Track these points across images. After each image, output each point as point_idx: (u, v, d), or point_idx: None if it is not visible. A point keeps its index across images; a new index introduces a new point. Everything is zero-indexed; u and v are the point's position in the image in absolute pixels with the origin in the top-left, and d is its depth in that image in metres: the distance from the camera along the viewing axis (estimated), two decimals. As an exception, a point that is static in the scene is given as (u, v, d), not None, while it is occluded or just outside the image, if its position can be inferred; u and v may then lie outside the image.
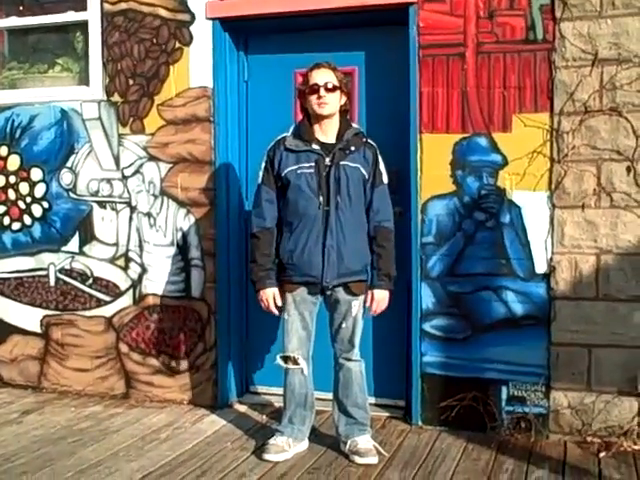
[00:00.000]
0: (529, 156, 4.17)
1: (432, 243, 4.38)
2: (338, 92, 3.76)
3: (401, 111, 4.41)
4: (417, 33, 4.29)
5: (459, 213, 4.32)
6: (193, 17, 4.80)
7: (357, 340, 3.93)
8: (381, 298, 3.86)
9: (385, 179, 3.87)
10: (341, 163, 3.74)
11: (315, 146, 3.78)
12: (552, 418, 4.24)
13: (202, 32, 4.79)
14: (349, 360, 3.94)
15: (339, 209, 3.74)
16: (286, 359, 4.00)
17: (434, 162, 4.30)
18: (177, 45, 4.85)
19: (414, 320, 4.43)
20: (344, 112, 3.86)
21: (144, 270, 5.06)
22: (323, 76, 3.74)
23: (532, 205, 4.19)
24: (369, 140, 3.88)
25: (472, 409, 4.37)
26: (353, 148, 3.77)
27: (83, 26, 5.16)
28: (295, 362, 3.97)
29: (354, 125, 3.93)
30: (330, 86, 3.72)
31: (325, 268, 3.77)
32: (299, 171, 3.79)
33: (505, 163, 4.22)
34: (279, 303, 3.89)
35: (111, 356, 5.19)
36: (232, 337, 4.97)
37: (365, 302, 3.89)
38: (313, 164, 3.77)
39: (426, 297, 4.41)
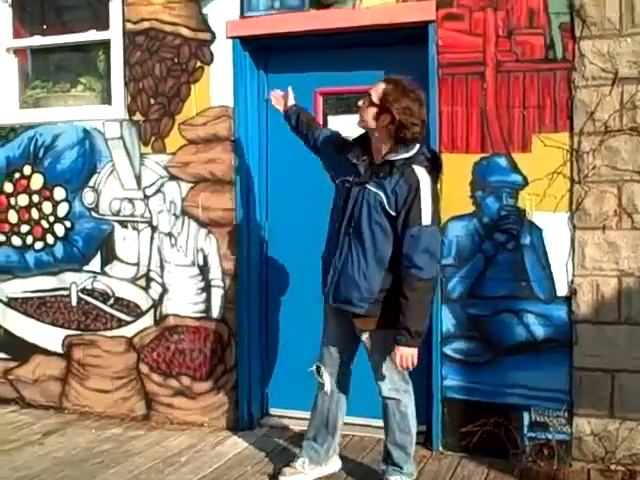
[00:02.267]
0: (549, 177, 4.42)
1: (452, 265, 4.65)
2: (374, 109, 3.75)
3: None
4: (436, 52, 4.60)
5: (479, 234, 4.60)
6: (214, 36, 5.17)
7: (385, 377, 3.93)
8: (402, 353, 3.74)
9: (426, 220, 3.63)
10: (367, 186, 3.76)
11: (358, 161, 3.84)
12: (575, 445, 4.46)
13: (223, 51, 5.16)
14: (380, 396, 4.02)
15: (352, 232, 3.86)
16: (316, 368, 4.18)
17: (454, 182, 4.56)
18: (198, 64, 5.23)
19: (435, 343, 4.70)
20: (396, 134, 3.72)
21: (165, 290, 5.43)
22: (370, 90, 3.83)
23: (553, 226, 4.44)
24: (415, 171, 3.68)
25: (493, 435, 4.61)
26: (382, 174, 3.73)
27: (105, 45, 5.59)
28: (319, 374, 4.16)
29: (408, 153, 3.74)
30: (365, 101, 3.82)
31: (327, 287, 4.01)
32: (341, 183, 3.95)
33: (525, 184, 4.49)
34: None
35: (132, 377, 5.57)
36: (252, 359, 5.29)
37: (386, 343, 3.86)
38: (350, 179, 3.86)
39: (446, 320, 4.68)
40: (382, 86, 3.76)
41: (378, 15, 4.69)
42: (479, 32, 4.52)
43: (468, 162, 4.59)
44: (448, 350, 4.69)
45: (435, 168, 3.86)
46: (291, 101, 4.54)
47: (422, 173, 3.68)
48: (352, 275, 3.83)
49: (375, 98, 3.74)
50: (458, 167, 4.58)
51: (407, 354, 3.73)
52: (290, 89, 4.57)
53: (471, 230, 4.61)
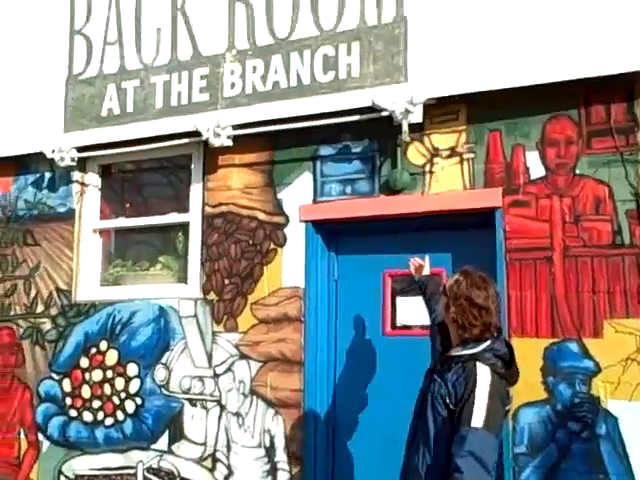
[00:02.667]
0: (622, 363, 4.36)
1: (525, 453, 4.54)
2: (445, 299, 3.67)
3: (489, 314, 4.74)
4: (503, 237, 4.72)
5: (552, 422, 4.51)
6: (287, 220, 5.44)
7: None
8: None
9: (476, 422, 3.31)
10: (434, 376, 3.61)
11: (438, 349, 3.79)
12: None
13: (295, 234, 5.40)
14: None
15: (419, 420, 3.71)
16: None
17: (524, 367, 4.42)
18: (272, 246, 5.47)
19: (508, 537, 4.52)
20: (458, 331, 3.61)
21: (230, 472, 5.42)
22: (446, 280, 3.82)
23: (629, 415, 4.33)
24: (476, 368, 3.42)
25: None
26: (447, 367, 3.55)
27: (184, 227, 5.91)
28: None
29: (472, 350, 3.50)
30: (442, 288, 3.79)
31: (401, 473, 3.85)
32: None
33: (598, 370, 4.43)
34: None
35: None
36: None
37: None
38: (430, 366, 3.78)
39: (520, 511, 4.52)
40: (454, 278, 3.68)
41: (446, 201, 4.89)
42: (546, 218, 4.64)
43: (538, 347, 4.58)
44: None
45: (507, 366, 3.60)
46: (426, 270, 4.58)
47: (484, 372, 3.44)
48: (416, 464, 3.66)
49: (446, 289, 3.68)
50: (528, 352, 4.55)
51: None
52: (427, 258, 4.62)
53: (544, 417, 4.53)
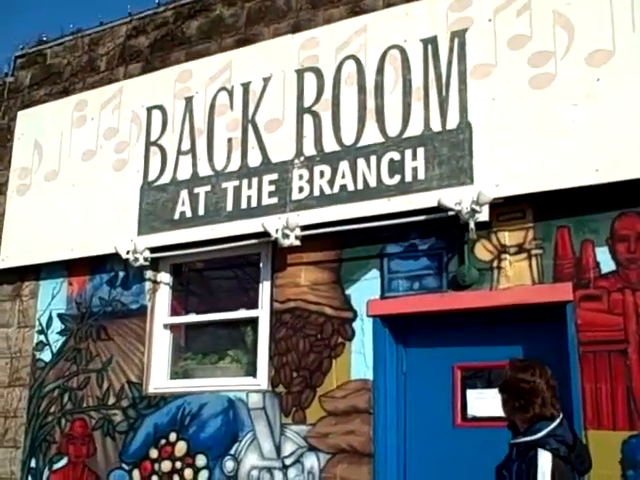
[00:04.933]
0: None
1: None
2: (501, 395, 3.36)
3: (562, 407, 4.21)
4: (575, 330, 4.26)
5: (634, 516, 3.94)
6: (355, 314, 5.00)
7: None
8: None
9: None
10: (503, 472, 3.26)
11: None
12: None
13: (363, 328, 4.95)
14: None
15: None
16: None
17: (602, 460, 3.96)
18: (340, 340, 5.01)
19: None
20: (517, 417, 3.29)
21: None
22: None
23: None
24: (537, 455, 3.06)
25: None
26: (512, 454, 3.23)
27: (253, 322, 5.46)
28: None
29: (534, 436, 3.14)
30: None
31: None
32: None
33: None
34: None
35: None
36: None
37: None
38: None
39: None
40: (503, 374, 3.37)
41: (515, 296, 4.46)
42: (619, 312, 4.19)
43: (616, 440, 4.07)
44: None
45: (572, 450, 3.18)
46: None
47: (546, 458, 3.06)
48: None
49: (499, 387, 3.36)
50: (606, 444, 4.06)
51: None
52: None
53: (625, 512, 3.95)
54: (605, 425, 4.11)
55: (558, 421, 3.18)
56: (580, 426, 4.12)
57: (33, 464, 6.08)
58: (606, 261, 4.28)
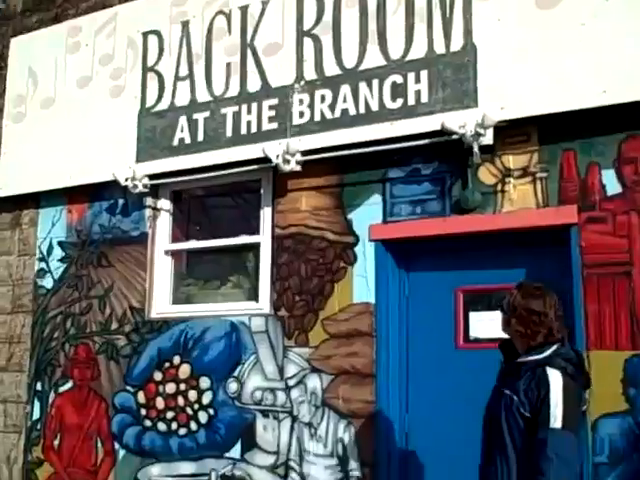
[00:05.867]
0: None
1: (605, 464, 3.90)
2: (503, 315, 3.27)
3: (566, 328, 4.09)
4: (579, 252, 4.09)
5: (634, 433, 3.87)
6: (357, 239, 4.81)
7: None
8: None
9: (555, 423, 2.89)
10: (504, 390, 3.13)
11: (503, 366, 3.29)
12: None
13: (365, 253, 4.77)
14: None
15: (494, 438, 3.14)
16: None
17: (604, 379, 3.91)
18: (342, 264, 4.83)
19: None
20: (523, 340, 3.18)
21: (303, 480, 4.75)
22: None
23: None
24: (546, 372, 2.98)
25: None
26: (516, 377, 3.10)
27: (255, 247, 5.27)
28: None
29: (540, 355, 3.07)
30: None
31: None
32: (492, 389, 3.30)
33: (681, 383, 3.80)
34: None
35: None
36: None
37: None
38: (497, 384, 3.27)
39: (602, 522, 3.86)
40: (511, 292, 3.24)
41: (519, 219, 4.27)
42: (623, 234, 4.02)
43: (618, 359, 3.95)
44: None
45: (578, 368, 3.14)
46: None
47: (555, 375, 2.99)
48: (494, 477, 3.10)
49: (504, 305, 3.25)
50: (607, 364, 3.95)
51: None
52: None
53: (625, 429, 3.90)
54: (608, 345, 3.99)
55: (561, 342, 3.12)
56: (583, 347, 4.00)
57: (39, 387, 5.95)
58: (612, 183, 4.08)
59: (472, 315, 4.50)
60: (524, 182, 4.31)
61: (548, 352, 3.08)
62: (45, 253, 6.13)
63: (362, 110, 4.77)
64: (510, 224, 4.28)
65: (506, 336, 3.29)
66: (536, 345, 3.10)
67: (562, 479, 2.88)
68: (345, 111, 4.84)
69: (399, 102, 4.65)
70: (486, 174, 4.43)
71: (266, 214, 5.19)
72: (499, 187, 4.39)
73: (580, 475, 3.77)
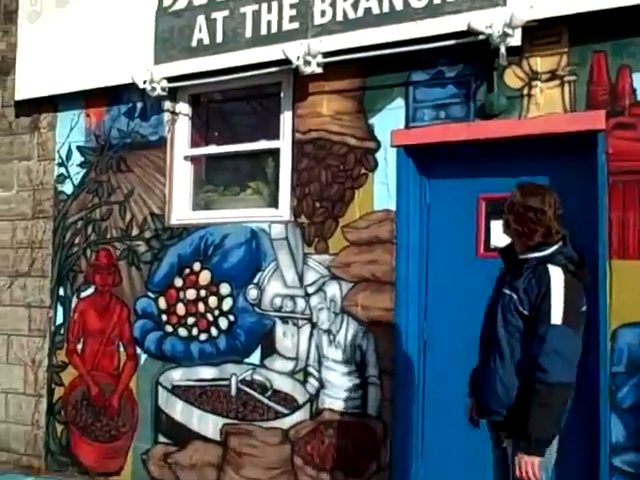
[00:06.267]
0: None
1: (623, 373, 4.03)
2: (505, 216, 3.36)
3: (588, 237, 4.15)
4: (606, 159, 4.10)
5: (653, 343, 3.97)
6: (379, 145, 4.85)
7: None
8: (521, 460, 3.05)
9: (555, 319, 2.99)
10: (503, 289, 3.24)
11: (505, 264, 3.40)
12: None
13: (387, 159, 4.81)
14: None
15: (490, 338, 3.28)
16: None
17: (625, 289, 4.00)
18: (362, 171, 4.90)
19: (602, 454, 4.04)
20: (523, 241, 3.26)
21: (322, 385, 4.97)
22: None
23: None
24: (548, 269, 3.08)
25: None
26: (516, 275, 3.20)
27: (275, 153, 5.34)
28: None
29: (542, 252, 3.17)
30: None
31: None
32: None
33: (703, 292, 3.86)
34: None
35: (286, 468, 5.07)
36: (407, 458, 4.73)
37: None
38: (495, 287, 3.42)
39: (616, 430, 4.03)
40: (511, 194, 3.33)
41: (545, 125, 4.27)
42: (652, 140, 4.00)
43: (640, 269, 3.99)
44: (618, 462, 4.02)
45: (579, 267, 3.21)
46: None
47: (556, 271, 3.08)
48: (490, 382, 3.23)
49: (505, 206, 3.33)
50: (630, 273, 4.02)
51: (525, 462, 3.03)
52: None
53: (644, 338, 3.97)
54: (630, 255, 4.04)
55: (562, 241, 3.22)
56: (605, 256, 4.07)
57: (61, 292, 6.19)
58: (643, 88, 4.05)
59: (493, 223, 4.56)
60: (552, 86, 4.29)
61: (550, 250, 3.17)
62: (64, 158, 6.27)
63: (386, 9, 4.73)
64: (536, 130, 4.28)
65: (506, 243, 3.43)
66: (535, 245, 3.18)
67: (562, 375, 2.99)
68: (368, 10, 4.79)
69: (424, 1, 4.60)
70: (512, 77, 4.41)
71: (286, 118, 5.23)
72: (525, 91, 4.37)
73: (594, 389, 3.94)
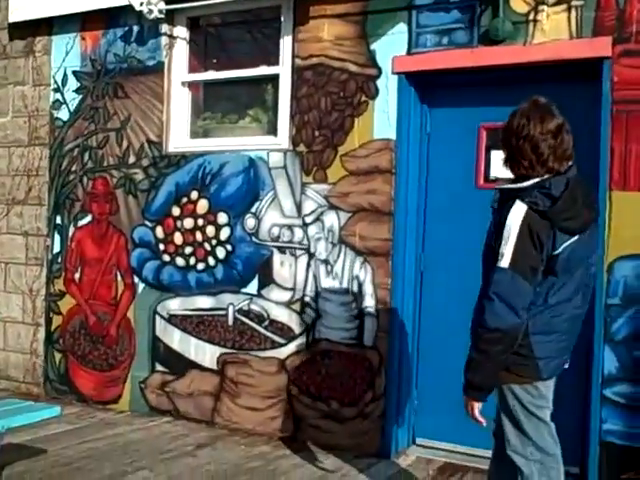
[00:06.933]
0: None
1: (618, 305, 4.14)
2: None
3: (589, 167, 4.20)
4: (610, 88, 4.13)
5: (650, 276, 4.06)
6: (380, 72, 4.87)
7: (505, 434, 3.05)
8: (465, 400, 2.96)
9: (504, 262, 2.75)
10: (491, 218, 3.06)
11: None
12: None
13: (388, 86, 4.85)
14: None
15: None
16: None
17: (624, 221, 4.08)
18: (363, 98, 4.93)
19: (594, 385, 4.19)
20: (507, 162, 3.00)
21: (318, 315, 5.10)
22: None
23: None
24: (514, 205, 2.79)
25: (657, 484, 4.04)
26: (496, 205, 2.98)
27: (274, 80, 5.37)
28: None
29: (518, 184, 2.86)
30: None
31: None
32: None
33: (703, 223, 3.93)
34: None
35: (282, 397, 5.25)
36: (402, 387, 4.90)
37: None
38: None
39: (609, 361, 4.17)
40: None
41: (550, 51, 4.29)
42: (659, 69, 4.02)
43: (641, 201, 4.06)
44: (609, 393, 4.16)
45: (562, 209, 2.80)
46: None
47: (519, 209, 2.77)
48: (475, 314, 3.01)
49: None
50: (629, 205, 4.10)
51: (465, 402, 2.94)
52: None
53: (641, 271, 4.06)
54: (631, 187, 4.11)
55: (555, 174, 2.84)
56: (605, 187, 4.13)
57: (58, 220, 6.29)
58: (652, 13, 4.05)
59: (493, 153, 4.62)
60: (558, 10, 4.29)
61: (529, 182, 2.82)
62: (60, 83, 6.29)
63: None
64: (540, 56, 4.30)
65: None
66: (518, 177, 2.89)
67: (501, 321, 2.77)
68: None
69: None
70: (518, 2, 4.40)
71: (286, 43, 5.24)
72: (531, 16, 4.37)
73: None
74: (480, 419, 2.93)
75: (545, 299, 2.86)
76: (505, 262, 2.75)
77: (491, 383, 2.91)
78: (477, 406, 2.91)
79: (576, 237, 2.81)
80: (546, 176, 2.82)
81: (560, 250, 2.79)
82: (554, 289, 2.86)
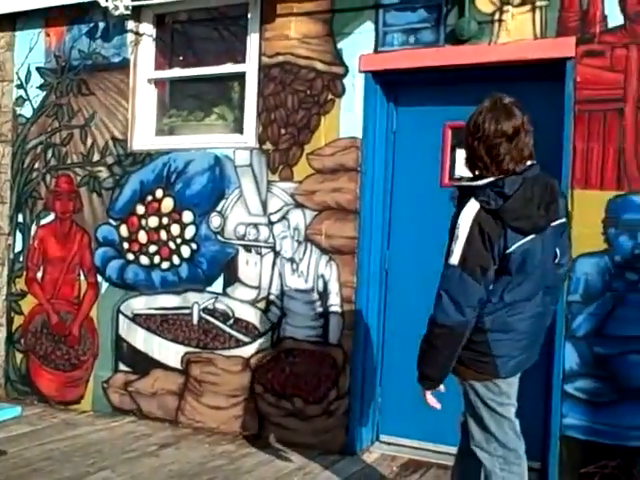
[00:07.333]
0: (688, 216, 3.95)
1: (579, 302, 4.21)
2: None
3: (552, 166, 4.25)
4: (574, 88, 4.21)
5: (609, 272, 4.15)
6: (347, 70, 4.90)
7: (469, 429, 3.11)
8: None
9: (453, 259, 2.78)
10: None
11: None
12: None
13: (354, 84, 4.88)
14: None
15: None
16: None
17: (585, 219, 4.15)
18: (329, 97, 4.96)
19: (555, 380, 4.26)
20: (466, 161, 3.00)
21: (284, 314, 5.11)
22: None
23: (690, 267, 3.96)
24: (468, 203, 2.80)
25: (614, 478, 4.10)
26: (454, 203, 2.96)
27: (240, 78, 5.38)
28: None
29: (473, 182, 2.87)
30: None
31: None
32: None
33: (662, 223, 4.02)
34: None
35: (246, 396, 5.24)
36: (366, 385, 4.93)
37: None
38: None
39: (570, 357, 4.23)
40: None
41: (515, 51, 4.36)
42: (620, 69, 4.12)
43: (602, 199, 4.16)
44: (570, 388, 4.23)
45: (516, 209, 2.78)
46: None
47: (471, 208, 2.77)
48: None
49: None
50: (590, 204, 4.17)
51: (420, 390, 3.02)
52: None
53: (601, 268, 4.16)
54: (593, 185, 4.19)
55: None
56: (567, 185, 4.21)
57: (20, 219, 6.22)
58: (614, 14, 4.12)
59: (458, 152, 4.67)
60: (523, 11, 4.35)
61: (484, 181, 2.80)
62: (23, 80, 6.23)
63: None
64: (504, 56, 4.36)
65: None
66: (476, 176, 2.89)
67: (448, 317, 2.80)
68: None
69: None
70: (484, 2, 4.46)
71: (253, 41, 5.24)
72: (497, 16, 4.43)
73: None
74: (434, 404, 2.99)
75: (501, 297, 2.86)
76: (454, 259, 2.77)
77: (441, 374, 2.94)
78: (429, 393, 2.99)
79: (530, 237, 2.79)
80: (501, 176, 2.79)
81: (512, 249, 2.78)
82: (509, 288, 2.86)
